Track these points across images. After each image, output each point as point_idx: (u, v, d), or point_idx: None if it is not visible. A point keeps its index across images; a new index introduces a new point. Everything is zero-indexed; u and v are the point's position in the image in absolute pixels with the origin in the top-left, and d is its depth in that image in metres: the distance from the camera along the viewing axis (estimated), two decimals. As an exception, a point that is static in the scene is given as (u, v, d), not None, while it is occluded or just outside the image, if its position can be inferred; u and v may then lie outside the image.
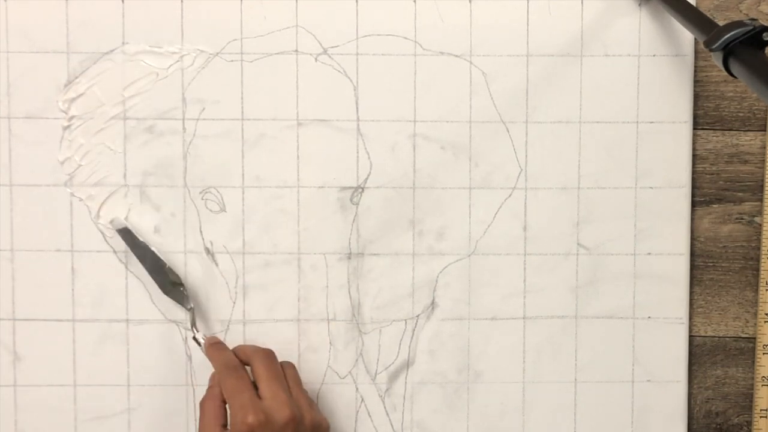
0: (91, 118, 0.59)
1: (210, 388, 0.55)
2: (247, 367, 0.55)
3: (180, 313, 0.59)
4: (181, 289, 0.58)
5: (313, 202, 0.59)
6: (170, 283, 0.58)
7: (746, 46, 0.46)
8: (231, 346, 0.57)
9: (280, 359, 0.56)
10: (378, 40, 0.59)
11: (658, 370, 0.61)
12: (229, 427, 0.52)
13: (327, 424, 0.55)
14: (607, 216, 0.60)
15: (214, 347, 0.56)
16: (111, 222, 0.58)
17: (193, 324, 0.57)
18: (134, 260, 0.59)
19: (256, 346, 0.57)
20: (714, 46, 0.47)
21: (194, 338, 0.57)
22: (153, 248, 0.58)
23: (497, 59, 0.59)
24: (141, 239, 0.58)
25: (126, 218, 0.59)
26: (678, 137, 0.60)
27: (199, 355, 0.59)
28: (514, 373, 0.60)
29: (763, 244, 0.60)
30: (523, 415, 0.61)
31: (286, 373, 0.55)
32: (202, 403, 0.54)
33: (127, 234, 0.58)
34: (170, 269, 0.58)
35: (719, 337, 0.61)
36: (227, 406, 0.53)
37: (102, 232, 0.59)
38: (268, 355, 0.55)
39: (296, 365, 0.59)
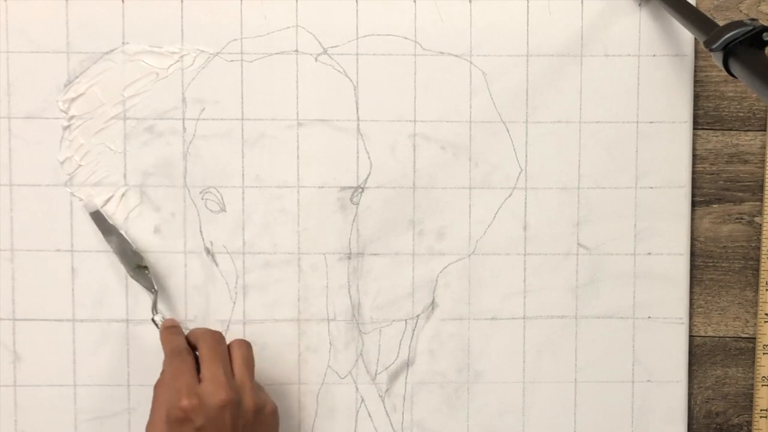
0: (91, 118, 0.59)
1: (162, 372, 0.54)
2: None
3: (180, 314, 0.59)
4: (146, 272, 0.58)
5: (313, 202, 0.59)
6: (135, 265, 0.58)
7: (746, 46, 0.46)
8: (175, 323, 0.57)
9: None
10: (378, 40, 0.59)
11: (658, 370, 0.60)
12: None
13: (273, 406, 0.53)
14: (607, 216, 0.60)
15: (168, 331, 0.56)
16: (84, 204, 0.58)
17: (154, 307, 0.57)
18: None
19: (205, 329, 0.56)
20: (714, 46, 0.47)
21: (153, 320, 0.57)
22: (122, 231, 0.58)
23: (497, 59, 0.59)
24: (110, 222, 0.58)
25: (126, 218, 0.59)
26: (678, 137, 0.60)
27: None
28: (514, 373, 0.60)
29: (763, 244, 0.60)
30: (523, 415, 0.61)
31: (234, 354, 0.54)
32: (155, 387, 0.53)
33: (97, 216, 0.58)
34: (136, 252, 0.58)
35: (719, 337, 0.61)
36: None
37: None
38: (214, 336, 0.54)
39: (296, 365, 0.59)
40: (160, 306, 0.58)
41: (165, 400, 0.51)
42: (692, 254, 0.61)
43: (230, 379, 0.52)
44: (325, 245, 0.60)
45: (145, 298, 0.59)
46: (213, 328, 0.57)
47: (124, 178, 0.59)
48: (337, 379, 0.60)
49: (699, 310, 0.61)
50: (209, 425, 0.50)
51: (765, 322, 0.61)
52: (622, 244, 0.60)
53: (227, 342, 0.55)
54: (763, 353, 0.61)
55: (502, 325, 0.60)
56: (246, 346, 0.55)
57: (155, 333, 0.59)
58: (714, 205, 0.61)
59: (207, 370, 0.52)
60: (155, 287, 0.58)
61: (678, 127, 0.60)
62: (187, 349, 0.54)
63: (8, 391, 0.59)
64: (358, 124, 0.59)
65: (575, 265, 0.60)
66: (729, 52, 0.47)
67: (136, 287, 0.59)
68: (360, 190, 0.59)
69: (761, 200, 0.61)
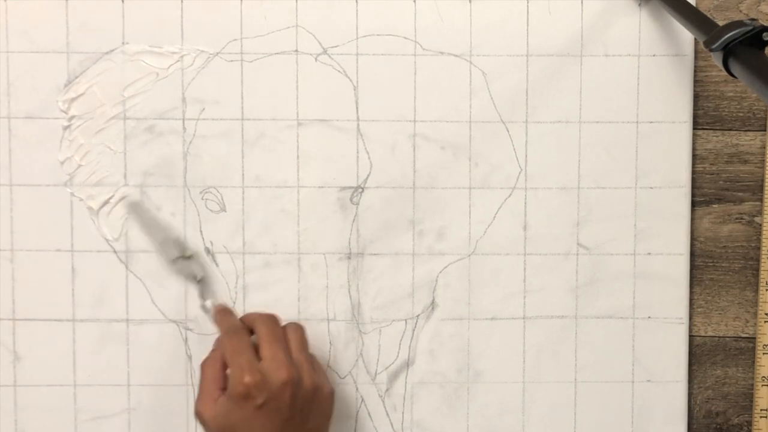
0: (91, 118, 0.59)
1: (212, 351, 0.55)
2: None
3: (180, 313, 0.59)
4: (191, 260, 0.58)
5: (313, 202, 0.59)
6: (180, 255, 0.58)
7: (746, 46, 0.46)
8: (228, 306, 0.58)
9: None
10: (378, 40, 0.59)
11: (658, 370, 0.60)
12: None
13: (330, 389, 0.54)
14: (607, 216, 0.60)
15: (222, 313, 0.56)
16: (123, 199, 0.58)
17: (201, 294, 0.58)
18: (134, 260, 0.59)
19: (260, 312, 0.57)
20: (714, 46, 0.47)
21: (202, 306, 0.57)
22: (164, 221, 0.58)
23: (497, 59, 0.59)
24: (152, 212, 0.58)
25: (127, 218, 0.59)
26: (678, 137, 0.60)
27: (199, 356, 0.59)
28: (514, 373, 0.60)
29: (763, 244, 0.60)
30: (523, 415, 0.61)
31: (290, 336, 0.55)
32: (203, 365, 0.53)
33: (138, 207, 0.58)
34: (181, 241, 0.58)
35: (719, 337, 0.61)
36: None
37: (104, 237, 0.59)
38: (271, 318, 0.55)
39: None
40: (160, 304, 0.59)
41: (214, 378, 0.52)
42: (692, 254, 0.61)
43: (289, 358, 0.52)
44: (325, 245, 0.60)
45: (144, 297, 0.59)
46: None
47: (124, 178, 0.59)
48: (337, 379, 0.60)
49: (699, 310, 0.61)
50: (270, 402, 0.50)
51: (765, 322, 0.61)
52: (622, 244, 0.60)
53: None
54: (763, 353, 0.61)
55: (502, 325, 0.60)
56: (300, 329, 0.56)
57: (155, 333, 0.59)
58: (714, 205, 0.61)
59: (267, 349, 0.52)
60: (199, 276, 0.58)
61: (678, 127, 0.60)
62: (244, 328, 0.54)
63: (8, 391, 0.59)
64: (358, 124, 0.59)
65: (575, 265, 0.60)
66: (729, 52, 0.47)
67: (136, 287, 0.59)
68: (360, 190, 0.59)
69: (761, 200, 0.61)
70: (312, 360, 0.55)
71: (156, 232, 0.58)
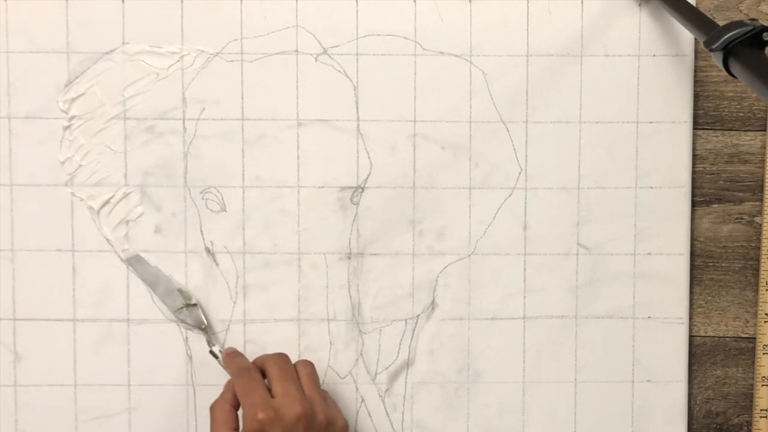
0: (92, 118, 0.59)
1: (222, 393, 0.55)
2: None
3: (180, 313, 0.59)
4: (196, 308, 0.58)
5: (313, 202, 0.59)
6: (184, 304, 0.58)
7: (746, 46, 0.46)
8: (236, 350, 0.58)
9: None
10: (378, 40, 0.59)
11: (658, 370, 0.61)
12: (241, 427, 0.52)
13: (343, 422, 0.54)
14: (607, 216, 0.60)
15: (231, 355, 0.57)
16: (122, 252, 0.58)
17: (209, 341, 0.58)
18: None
19: (269, 353, 0.57)
20: (714, 46, 0.47)
21: (211, 352, 0.57)
22: (166, 273, 0.58)
23: (497, 59, 0.59)
24: (152, 265, 0.58)
25: (127, 219, 0.59)
26: (678, 137, 0.60)
27: (199, 355, 0.59)
28: (514, 373, 0.60)
29: (763, 244, 0.60)
30: (523, 415, 0.61)
31: (300, 372, 0.55)
32: (213, 408, 0.54)
33: (137, 261, 0.58)
34: (183, 291, 0.58)
35: (719, 337, 0.61)
36: (240, 407, 0.53)
37: (105, 238, 0.59)
38: (281, 356, 0.56)
39: (296, 365, 0.59)
40: (160, 304, 0.59)
41: (225, 419, 0.52)
42: (692, 254, 0.61)
43: (302, 394, 0.53)
44: (325, 245, 0.60)
45: (145, 297, 0.59)
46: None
47: (124, 178, 0.59)
48: (337, 379, 0.60)
49: (699, 310, 0.61)
50: None
51: (765, 322, 0.61)
52: (622, 244, 0.60)
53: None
54: (763, 353, 0.61)
55: (502, 325, 0.60)
56: (310, 365, 0.56)
57: (155, 333, 0.59)
58: (714, 205, 0.61)
59: (279, 386, 0.53)
60: (204, 323, 0.58)
61: (678, 127, 0.60)
62: (255, 368, 0.55)
63: (8, 391, 0.59)
64: (358, 124, 0.59)
65: (575, 265, 0.60)
66: (729, 52, 0.47)
67: (136, 287, 0.59)
68: (360, 190, 0.60)
69: (761, 200, 0.61)
70: (324, 395, 0.55)
71: (158, 284, 0.58)
